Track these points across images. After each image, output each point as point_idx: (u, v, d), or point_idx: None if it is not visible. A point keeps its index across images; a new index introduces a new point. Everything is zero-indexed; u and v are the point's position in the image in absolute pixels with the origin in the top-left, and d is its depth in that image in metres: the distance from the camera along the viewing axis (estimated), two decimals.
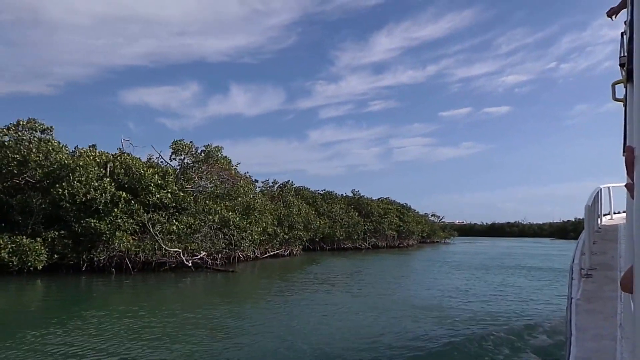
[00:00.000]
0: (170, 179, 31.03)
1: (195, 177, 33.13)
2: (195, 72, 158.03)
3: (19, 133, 28.82)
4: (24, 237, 26.02)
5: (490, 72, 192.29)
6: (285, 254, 48.02)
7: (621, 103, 3.67)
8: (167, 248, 28.33)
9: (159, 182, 30.34)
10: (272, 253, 45.51)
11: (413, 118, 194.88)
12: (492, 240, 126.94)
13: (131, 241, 27.62)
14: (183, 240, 30.27)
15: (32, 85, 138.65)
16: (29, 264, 25.35)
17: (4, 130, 29.01)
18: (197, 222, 31.19)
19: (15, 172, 27.62)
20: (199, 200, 33.03)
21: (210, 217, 32.24)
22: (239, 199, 36.35)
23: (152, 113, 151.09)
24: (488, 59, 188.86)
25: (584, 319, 4.87)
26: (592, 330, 4.57)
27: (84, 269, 27.52)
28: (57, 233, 27.17)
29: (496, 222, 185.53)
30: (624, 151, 2.87)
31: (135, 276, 27.39)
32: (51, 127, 31.65)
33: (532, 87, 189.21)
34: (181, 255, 29.00)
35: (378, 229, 70.36)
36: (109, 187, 28.24)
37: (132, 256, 28.00)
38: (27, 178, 27.94)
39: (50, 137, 31.42)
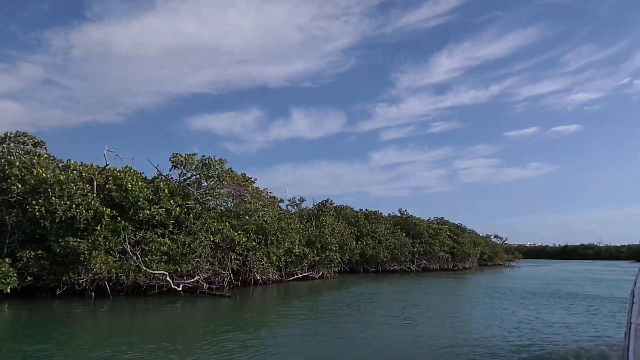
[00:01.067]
0: (164, 194, 27.12)
1: (194, 193, 29.01)
2: (257, 97, 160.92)
3: (3, 147, 26.10)
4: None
5: (558, 90, 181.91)
6: (317, 276, 42.93)
7: None
8: (148, 270, 24.22)
9: (150, 197, 26.53)
10: (299, 276, 40.61)
11: (477, 139, 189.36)
12: (563, 263, 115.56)
13: (110, 262, 23.73)
14: (177, 262, 26.12)
15: (104, 115, 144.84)
16: None
17: None
18: (195, 242, 26.97)
19: None
20: (201, 217, 28.86)
21: (211, 236, 27.94)
22: (248, 217, 31.79)
23: (217, 138, 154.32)
24: (555, 76, 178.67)
25: None
26: None
27: (59, 292, 23.90)
28: (32, 253, 23.81)
29: (569, 244, 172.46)
30: None
31: (116, 300, 23.46)
32: (42, 141, 28.95)
33: (603, 105, 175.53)
34: (167, 278, 24.78)
35: (428, 250, 63.56)
36: (93, 203, 24.71)
37: (113, 279, 24.09)
38: (4, 194, 24.97)
39: (44, 151, 28.68)
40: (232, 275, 31.00)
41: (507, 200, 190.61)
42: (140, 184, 26.58)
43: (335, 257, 43.49)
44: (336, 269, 46.04)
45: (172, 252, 26.06)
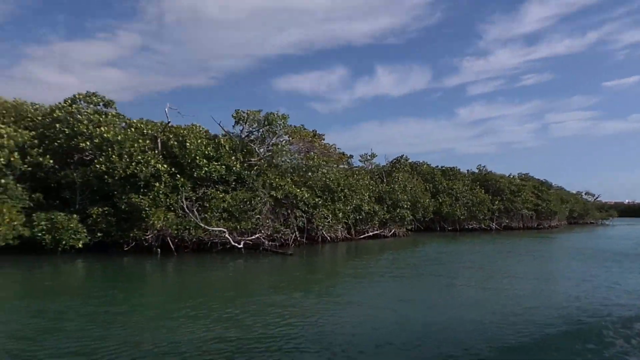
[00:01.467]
0: (225, 151, 26.31)
1: (256, 149, 28.01)
2: (341, 56, 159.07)
3: (74, 107, 26.32)
4: (67, 213, 23.35)
5: None
6: (389, 235, 41.20)
7: None
8: (207, 227, 23.71)
9: (210, 154, 25.84)
10: (370, 234, 39.10)
11: (572, 91, 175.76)
12: None
13: (170, 219, 23.46)
14: (238, 219, 25.47)
15: (197, 79, 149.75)
16: (64, 242, 22.53)
17: (61, 104, 26.83)
18: (256, 199, 26.11)
19: (65, 146, 25.13)
20: (263, 174, 27.91)
21: (274, 192, 26.95)
22: (310, 174, 30.40)
23: (302, 98, 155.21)
24: None
25: None
26: None
27: (127, 248, 24.11)
28: (100, 210, 24.10)
29: None
30: None
31: (180, 257, 23.30)
32: (111, 101, 28.95)
33: None
34: (227, 235, 24.18)
35: (510, 208, 59.40)
36: (152, 161, 24.43)
37: (174, 235, 23.89)
38: (76, 152, 25.32)
39: (113, 110, 28.77)
40: (297, 232, 30.12)
41: (604, 156, 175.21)
42: (199, 141, 25.91)
43: (406, 214, 41.32)
44: (409, 227, 43.93)
45: (232, 208, 25.40)
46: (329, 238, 33.14)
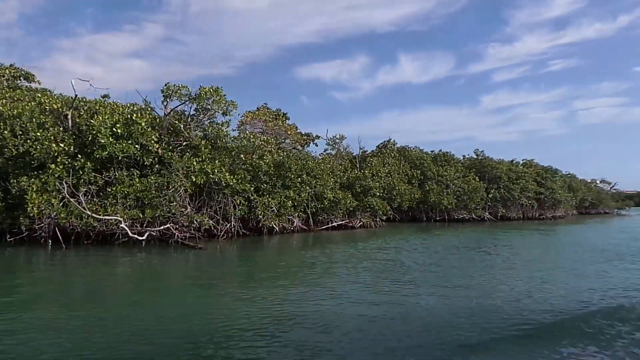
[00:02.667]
0: (138, 129, 22.66)
1: (180, 127, 24.31)
2: (364, 44, 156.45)
3: None
4: None
5: None
6: (357, 226, 37.19)
7: None
8: (95, 216, 20.20)
9: (119, 131, 22.25)
10: (334, 224, 35.20)
11: (601, 77, 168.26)
12: None
13: (55, 205, 20.04)
14: (146, 206, 21.95)
15: (219, 68, 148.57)
16: None
17: None
18: (170, 185, 22.47)
19: None
20: (184, 156, 24.23)
21: (194, 177, 23.25)
22: (243, 156, 26.53)
23: (324, 87, 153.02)
24: None
25: None
26: None
27: (11, 238, 20.90)
28: None
29: None
30: None
31: (71, 250, 19.92)
32: (30, 74, 25.64)
33: None
34: (124, 225, 20.63)
35: (507, 196, 54.45)
36: (44, 139, 21.00)
37: (61, 224, 20.49)
38: None
39: (36, 84, 25.46)
40: (234, 223, 26.52)
41: (633, 143, 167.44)
42: (106, 116, 22.32)
43: (375, 202, 37.11)
44: (383, 218, 39.77)
45: (140, 195, 21.87)
46: (277, 229, 29.41)
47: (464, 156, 58.45)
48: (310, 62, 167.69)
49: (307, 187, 31.11)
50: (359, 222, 37.29)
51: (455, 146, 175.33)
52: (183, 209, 22.45)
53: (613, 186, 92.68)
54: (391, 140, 51.40)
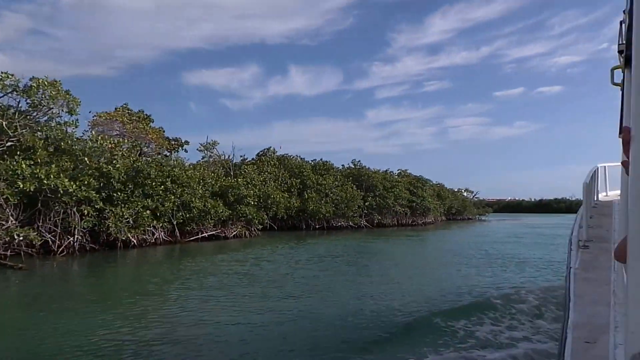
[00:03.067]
0: None
1: (4, 124, 20.14)
2: (255, 54, 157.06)
3: None
4: None
5: (544, 53, 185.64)
6: (230, 236, 34.76)
7: (619, 88, 3.50)
8: None
9: None
10: (205, 235, 32.42)
11: (467, 98, 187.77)
12: (535, 216, 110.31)
13: None
14: None
15: (96, 68, 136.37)
16: None
17: None
18: None
19: None
20: (10, 159, 20.08)
21: (22, 184, 19.22)
22: (87, 159, 22.96)
23: (214, 94, 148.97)
24: (541, 39, 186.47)
25: (581, 286, 4.96)
26: (588, 296, 4.68)
27: None
28: None
29: (544, 198, 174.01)
30: (620, 132, 2.91)
31: None
32: None
33: (584, 68, 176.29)
34: None
35: (383, 204, 55.56)
36: None
37: None
38: None
39: None
40: (79, 236, 22.75)
41: (493, 158, 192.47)
42: None
43: (249, 211, 35.01)
44: (259, 227, 37.74)
45: None
46: (134, 242, 25.97)
47: (343, 165, 58.78)
48: (199, 68, 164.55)
49: (172, 196, 28.11)
50: (233, 232, 34.88)
51: (343, 156, 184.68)
52: (3, 222, 18.37)
53: (475, 195, 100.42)
54: (271, 149, 49.93)
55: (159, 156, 31.51)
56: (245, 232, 35.92)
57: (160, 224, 28.64)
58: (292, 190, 46.73)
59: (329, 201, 48.35)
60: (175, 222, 29.99)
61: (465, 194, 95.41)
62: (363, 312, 11.26)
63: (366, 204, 53.31)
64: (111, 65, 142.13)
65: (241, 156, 47.06)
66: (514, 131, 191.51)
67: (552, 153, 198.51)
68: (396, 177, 62.48)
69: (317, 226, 49.09)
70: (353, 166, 58.52)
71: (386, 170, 62.24)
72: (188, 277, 16.79)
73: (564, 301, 4.92)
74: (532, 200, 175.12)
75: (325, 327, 10.06)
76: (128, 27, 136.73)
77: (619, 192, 6.47)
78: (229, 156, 43.38)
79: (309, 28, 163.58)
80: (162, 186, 28.09)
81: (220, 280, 16.23)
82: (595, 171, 9.55)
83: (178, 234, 30.40)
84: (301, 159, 54.50)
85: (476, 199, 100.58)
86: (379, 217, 55.93)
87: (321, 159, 56.25)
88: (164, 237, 29.36)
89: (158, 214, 28.01)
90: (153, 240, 27.92)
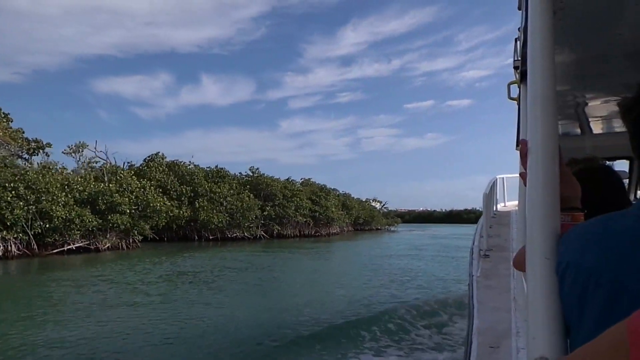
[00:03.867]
0: None
1: None
2: (165, 62, 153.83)
3: None
4: None
5: (452, 67, 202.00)
6: (104, 248, 32.36)
7: (515, 102, 3.79)
8: None
9: None
10: (72, 247, 29.88)
11: (379, 109, 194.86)
12: (444, 227, 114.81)
13: None
14: None
15: None
16: None
17: None
18: None
19: None
20: None
21: None
22: None
23: (124, 102, 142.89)
24: (449, 54, 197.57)
25: (483, 293, 5.11)
26: (490, 303, 4.82)
27: None
28: None
29: (454, 209, 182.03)
30: (517, 144, 3.21)
31: None
32: None
33: (491, 82, 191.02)
34: None
35: (282, 214, 54.96)
36: None
37: None
38: None
39: None
40: None
41: (406, 168, 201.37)
42: None
43: (123, 220, 32.86)
44: (139, 238, 35.58)
45: None
46: None
47: (240, 173, 57.55)
48: (108, 75, 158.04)
49: (21, 202, 25.60)
50: (106, 244, 32.52)
51: (257, 166, 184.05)
52: None
53: (384, 205, 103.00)
54: (159, 154, 47.75)
55: (10, 158, 28.70)
56: (122, 244, 33.70)
57: (11, 235, 25.98)
58: (183, 198, 44.88)
59: (222, 210, 46.93)
60: (32, 233, 27.39)
61: (373, 204, 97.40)
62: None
63: (264, 213, 52.39)
64: (14, 71, 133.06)
65: (128, 162, 44.56)
66: (426, 142, 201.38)
67: (463, 164, 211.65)
68: (298, 186, 62.23)
69: (210, 237, 47.46)
70: (251, 174, 57.48)
71: (287, 179, 61.82)
72: None
73: (468, 308, 5.12)
74: (443, 210, 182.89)
75: None
76: (31, 32, 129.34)
77: (516, 202, 6.92)
78: (106, 162, 40.74)
79: (220, 37, 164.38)
80: (12, 192, 25.55)
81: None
82: (494, 182, 9.82)
83: (35, 247, 27.77)
84: (195, 165, 52.60)
85: (385, 209, 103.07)
86: (279, 228, 55.14)
87: (216, 166, 54.73)
88: (16, 250, 26.69)
89: (8, 224, 25.39)
90: (0, 254, 25.24)
